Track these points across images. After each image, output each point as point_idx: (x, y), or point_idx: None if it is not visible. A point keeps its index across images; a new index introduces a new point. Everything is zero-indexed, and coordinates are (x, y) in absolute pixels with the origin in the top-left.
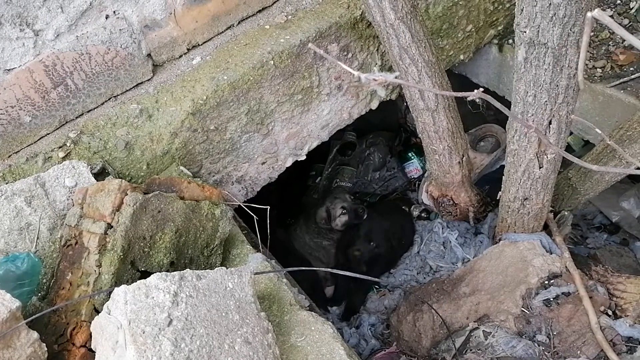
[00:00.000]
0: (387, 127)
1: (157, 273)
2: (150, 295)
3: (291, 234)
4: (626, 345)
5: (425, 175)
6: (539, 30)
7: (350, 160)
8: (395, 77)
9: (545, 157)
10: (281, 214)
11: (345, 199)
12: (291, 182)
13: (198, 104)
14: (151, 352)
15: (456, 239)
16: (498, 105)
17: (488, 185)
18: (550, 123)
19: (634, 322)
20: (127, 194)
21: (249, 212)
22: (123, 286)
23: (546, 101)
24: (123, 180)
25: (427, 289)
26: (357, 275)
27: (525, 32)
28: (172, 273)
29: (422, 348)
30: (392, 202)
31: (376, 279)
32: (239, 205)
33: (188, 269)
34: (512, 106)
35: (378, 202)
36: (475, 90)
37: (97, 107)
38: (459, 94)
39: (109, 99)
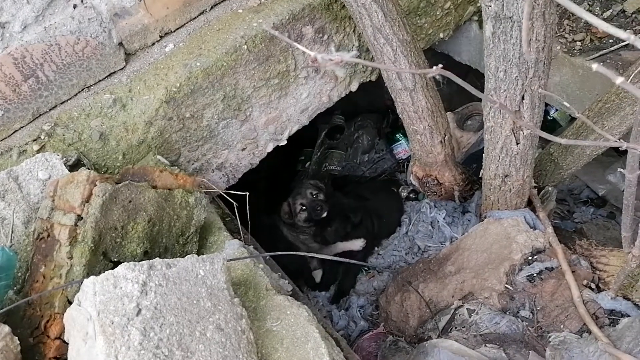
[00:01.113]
0: (374, 109)
1: (125, 263)
2: (119, 286)
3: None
4: (609, 318)
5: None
6: (503, 4)
7: (338, 143)
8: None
9: (522, 132)
10: (270, 201)
11: (305, 195)
12: (280, 168)
13: (171, 91)
14: (120, 342)
15: (444, 218)
16: (459, 81)
17: (475, 164)
18: (523, 98)
19: (615, 295)
20: (96, 185)
21: (229, 198)
22: (92, 277)
23: (517, 76)
24: (92, 171)
25: (414, 269)
26: (342, 260)
27: (490, 6)
28: (140, 262)
29: (409, 328)
30: (379, 181)
31: (361, 263)
32: (222, 193)
33: (157, 258)
34: (485, 83)
35: (365, 181)
36: (434, 67)
37: (70, 98)
38: (419, 71)
39: (82, 90)
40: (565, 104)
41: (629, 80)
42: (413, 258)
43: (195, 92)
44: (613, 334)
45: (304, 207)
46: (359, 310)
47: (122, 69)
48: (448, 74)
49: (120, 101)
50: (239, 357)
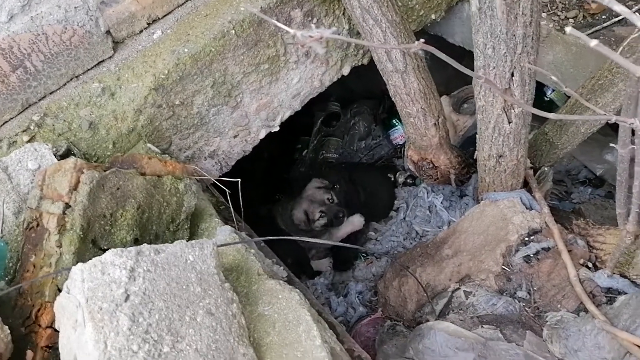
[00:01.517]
0: (370, 95)
1: (113, 249)
2: (107, 272)
3: (277, 209)
4: (606, 296)
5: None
6: None
7: (335, 131)
8: (333, 33)
9: (513, 111)
10: (268, 190)
11: (322, 201)
12: (278, 157)
13: (160, 78)
14: (108, 328)
15: (441, 202)
16: (443, 56)
17: (472, 147)
18: (512, 75)
19: (612, 273)
20: (83, 172)
21: (221, 186)
22: (80, 264)
23: (505, 52)
24: (79, 159)
25: (412, 253)
26: (338, 244)
27: None
28: (128, 249)
29: (407, 312)
30: (371, 166)
31: (359, 247)
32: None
33: (145, 244)
34: (474, 61)
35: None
36: (416, 42)
37: (59, 88)
38: (400, 47)
39: (71, 79)
40: (553, 77)
41: (619, 52)
42: (411, 243)
43: (184, 78)
44: (610, 312)
45: (323, 214)
46: (357, 297)
47: (110, 57)
48: (430, 48)
49: (109, 90)
50: (230, 342)
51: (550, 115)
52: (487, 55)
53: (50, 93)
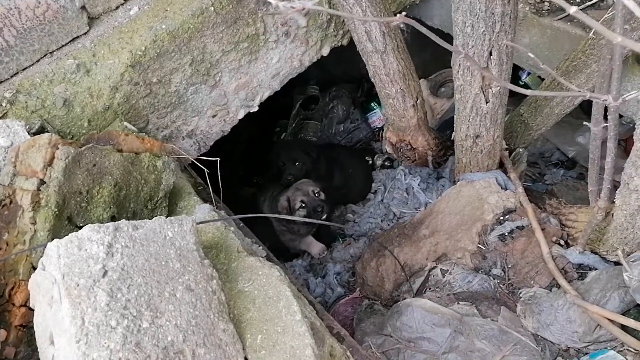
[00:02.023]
0: (349, 79)
1: (90, 225)
2: (83, 248)
3: (257, 192)
4: (577, 272)
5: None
6: None
7: (314, 114)
8: (314, 4)
9: (491, 90)
10: (246, 172)
11: (307, 192)
12: (256, 140)
13: (137, 55)
14: (86, 303)
15: (418, 184)
16: (424, 30)
17: (449, 130)
18: (490, 54)
19: (583, 250)
20: (58, 148)
21: (200, 165)
22: (55, 240)
23: (484, 31)
24: (53, 134)
25: (389, 234)
26: (319, 222)
27: None
28: (106, 224)
29: (385, 292)
30: (350, 148)
31: (339, 225)
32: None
33: (123, 220)
34: (453, 40)
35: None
36: (398, 15)
37: (32, 64)
38: (382, 20)
39: (44, 56)
40: (531, 54)
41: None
42: (388, 225)
43: (161, 55)
44: (581, 287)
45: (303, 205)
46: (335, 278)
47: (85, 33)
48: (411, 22)
49: (84, 66)
50: (210, 317)
51: (528, 92)
52: (466, 34)
53: (23, 69)
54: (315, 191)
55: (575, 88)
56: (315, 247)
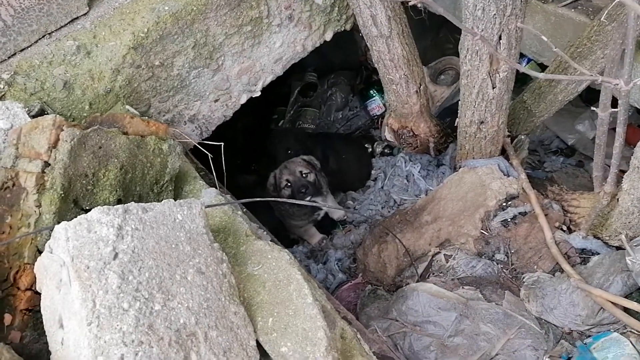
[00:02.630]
0: (348, 67)
1: (99, 207)
2: (93, 230)
3: (256, 180)
4: (580, 257)
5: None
6: None
7: (312, 101)
8: None
9: (498, 75)
10: (245, 160)
11: (294, 172)
12: (254, 127)
13: (139, 37)
14: (97, 286)
15: (419, 171)
16: (441, 11)
17: (449, 117)
18: (500, 38)
19: (586, 235)
20: (63, 130)
21: (203, 150)
22: (64, 223)
23: (495, 14)
24: (57, 116)
25: (391, 221)
26: (319, 205)
27: None
28: (115, 207)
29: (387, 277)
30: (346, 135)
31: (338, 207)
32: (194, 146)
33: (132, 202)
34: (462, 23)
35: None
36: None
37: (31, 45)
38: None
39: (43, 36)
40: (544, 38)
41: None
42: (389, 212)
43: (164, 38)
44: (584, 271)
45: (288, 184)
46: (336, 264)
47: (85, 14)
48: (429, 2)
49: (84, 48)
50: (221, 300)
51: (540, 75)
52: (476, 17)
53: (21, 50)
54: (303, 172)
55: (586, 71)
56: (316, 237)
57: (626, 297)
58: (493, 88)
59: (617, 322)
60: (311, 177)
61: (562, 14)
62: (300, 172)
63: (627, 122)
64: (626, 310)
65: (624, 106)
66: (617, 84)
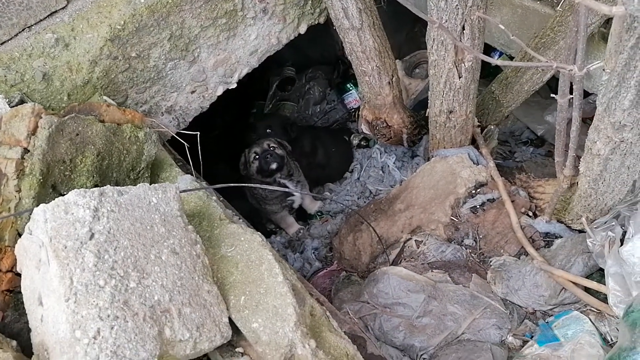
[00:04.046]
0: (325, 61)
1: (76, 190)
2: (70, 212)
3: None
4: (544, 241)
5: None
6: None
7: (290, 95)
8: None
9: (463, 65)
10: (224, 152)
11: (261, 144)
12: (233, 122)
13: (116, 29)
14: (74, 264)
15: (394, 162)
16: (402, 1)
17: (423, 110)
18: (463, 29)
19: (550, 219)
20: (41, 117)
21: (180, 140)
22: (42, 205)
23: (457, 5)
24: (36, 104)
25: (365, 210)
26: (289, 190)
27: None
28: (91, 189)
29: (361, 264)
30: (328, 128)
31: (317, 195)
32: (172, 137)
33: (108, 185)
34: (428, 14)
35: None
36: None
37: (11, 38)
38: None
39: (23, 30)
40: (501, 26)
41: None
42: (365, 202)
43: (140, 30)
44: (548, 254)
45: (256, 156)
46: (313, 252)
47: (63, 7)
48: None
49: (62, 40)
50: (194, 279)
51: (498, 62)
52: (440, 8)
53: (2, 43)
54: (272, 145)
55: (543, 58)
56: (294, 227)
57: (587, 277)
58: (459, 77)
59: (578, 302)
60: (279, 152)
61: (528, 6)
62: (268, 144)
63: (582, 107)
64: (587, 290)
65: (579, 91)
66: (572, 70)
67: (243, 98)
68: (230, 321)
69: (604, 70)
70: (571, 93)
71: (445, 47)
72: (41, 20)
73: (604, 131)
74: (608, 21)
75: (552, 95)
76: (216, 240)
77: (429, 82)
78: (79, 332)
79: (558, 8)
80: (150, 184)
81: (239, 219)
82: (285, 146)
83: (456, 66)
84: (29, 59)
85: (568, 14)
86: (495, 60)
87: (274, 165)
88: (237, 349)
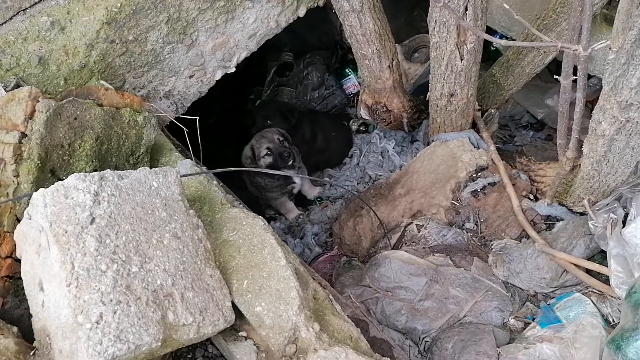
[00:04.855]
0: (323, 46)
1: (75, 174)
2: (70, 196)
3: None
4: (545, 223)
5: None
6: None
7: (288, 81)
8: None
9: (465, 47)
10: (222, 139)
11: (273, 139)
12: (231, 108)
13: (112, 12)
14: (75, 249)
15: (393, 147)
16: None
17: (423, 95)
18: (466, 9)
19: (551, 202)
20: (38, 101)
21: (179, 124)
22: (41, 189)
23: None
24: (33, 87)
25: (365, 195)
26: (285, 173)
27: None
28: (91, 174)
29: (362, 249)
30: (328, 113)
31: (317, 179)
32: (170, 122)
33: (108, 169)
34: None
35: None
36: None
37: (5, 22)
38: None
39: (17, 13)
40: (505, 5)
41: None
42: (364, 187)
43: (137, 12)
44: (549, 236)
45: (269, 152)
46: (313, 238)
47: None
48: None
49: (58, 23)
50: (197, 263)
51: (502, 42)
52: None
53: None
54: (281, 138)
55: (547, 38)
56: (293, 212)
57: (588, 259)
58: (461, 60)
59: (579, 284)
60: (286, 144)
61: None
62: (278, 139)
63: (592, 91)
64: (588, 271)
65: (583, 71)
66: (576, 50)
67: (241, 84)
68: (233, 305)
69: (610, 49)
70: (574, 74)
71: (448, 28)
72: (36, 3)
73: (610, 111)
74: (610, 2)
75: (555, 77)
76: (218, 224)
77: (430, 65)
78: (82, 317)
79: None
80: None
81: (239, 203)
82: (288, 138)
83: (458, 48)
84: (24, 42)
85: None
86: (499, 40)
87: (290, 162)
88: (240, 333)
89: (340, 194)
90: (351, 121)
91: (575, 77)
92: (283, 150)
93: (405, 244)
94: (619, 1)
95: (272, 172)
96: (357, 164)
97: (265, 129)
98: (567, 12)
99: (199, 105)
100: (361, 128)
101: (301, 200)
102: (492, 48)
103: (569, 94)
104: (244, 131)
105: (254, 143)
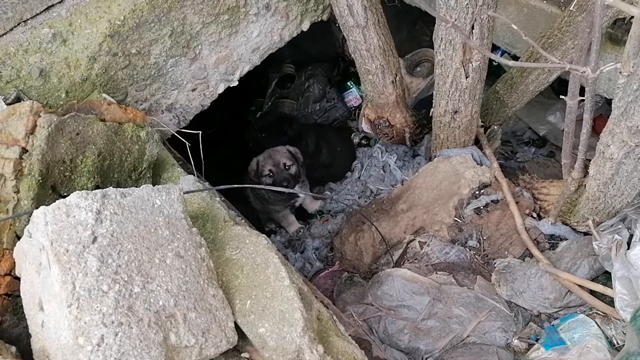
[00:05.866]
0: (325, 59)
1: (77, 191)
2: (72, 214)
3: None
4: (549, 243)
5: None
6: None
7: (289, 92)
8: None
9: (471, 65)
10: (222, 150)
11: (278, 162)
12: (232, 119)
13: (115, 25)
14: (76, 269)
15: (395, 162)
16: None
17: (425, 109)
18: (472, 28)
19: (555, 221)
20: (40, 116)
21: (181, 138)
22: (42, 207)
23: (467, 3)
24: (35, 102)
25: (367, 210)
26: (288, 190)
27: None
28: (93, 191)
29: (363, 265)
30: (331, 127)
31: (318, 195)
32: (172, 136)
33: (111, 187)
34: (437, 11)
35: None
36: None
37: (6, 33)
38: None
39: (19, 24)
40: (514, 26)
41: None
42: (366, 201)
43: (140, 26)
44: (553, 256)
45: (271, 174)
46: (314, 252)
47: (60, 2)
48: None
49: (60, 36)
50: (200, 283)
51: (510, 63)
52: (449, 7)
53: None
54: (287, 164)
55: (555, 59)
56: (294, 225)
57: (592, 280)
58: (466, 77)
59: (583, 305)
60: (293, 170)
61: (534, 5)
62: (284, 164)
63: (594, 110)
64: (592, 292)
65: (591, 93)
66: (585, 72)
67: (242, 95)
68: (236, 326)
69: (620, 73)
70: (581, 95)
71: (454, 46)
72: (37, 14)
73: (619, 135)
74: (616, 22)
75: (561, 96)
76: (220, 242)
77: (435, 82)
78: (82, 339)
79: (571, 8)
80: (152, 185)
81: (242, 219)
82: (297, 158)
83: (464, 66)
84: (25, 54)
85: (577, 14)
86: (507, 61)
87: (285, 184)
88: (242, 355)
89: (341, 208)
90: (353, 134)
91: (581, 98)
92: (283, 179)
93: (408, 260)
94: (624, 20)
95: (275, 188)
96: (359, 177)
97: (279, 148)
98: (572, 31)
99: (199, 116)
100: (363, 142)
101: (301, 214)
102: (495, 63)
103: (575, 114)
104: (243, 142)
105: (261, 160)
